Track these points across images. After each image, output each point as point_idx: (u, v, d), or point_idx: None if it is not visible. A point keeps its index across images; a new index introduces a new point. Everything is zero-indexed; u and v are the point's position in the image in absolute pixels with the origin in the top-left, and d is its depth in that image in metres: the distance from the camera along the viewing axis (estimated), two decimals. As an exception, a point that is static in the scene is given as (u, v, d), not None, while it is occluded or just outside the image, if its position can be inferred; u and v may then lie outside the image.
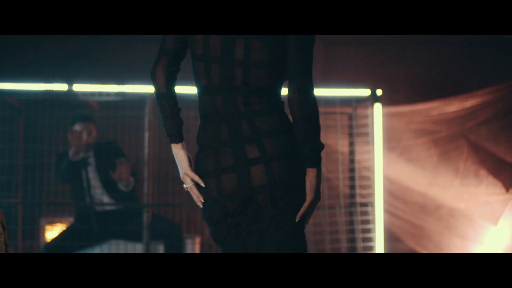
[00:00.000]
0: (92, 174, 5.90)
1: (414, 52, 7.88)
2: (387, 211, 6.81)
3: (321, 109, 5.68)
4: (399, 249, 6.78)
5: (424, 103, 7.24)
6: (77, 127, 5.74)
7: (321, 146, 2.71)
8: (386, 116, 6.82)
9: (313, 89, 2.68)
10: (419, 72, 7.89)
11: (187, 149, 2.83)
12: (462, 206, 6.98)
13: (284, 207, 2.65)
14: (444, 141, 7.19)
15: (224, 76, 2.65)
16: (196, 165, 2.76)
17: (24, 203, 6.29)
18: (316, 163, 2.70)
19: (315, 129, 2.69)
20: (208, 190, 2.70)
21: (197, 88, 2.76)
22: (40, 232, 6.44)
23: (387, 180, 6.88)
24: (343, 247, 6.06)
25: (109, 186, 5.91)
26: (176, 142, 2.76)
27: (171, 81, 2.73)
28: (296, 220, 2.68)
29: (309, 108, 2.66)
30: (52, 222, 6.49)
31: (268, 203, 2.65)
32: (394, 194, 7.03)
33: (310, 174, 2.69)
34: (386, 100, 6.72)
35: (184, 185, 2.76)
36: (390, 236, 6.76)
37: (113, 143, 6.03)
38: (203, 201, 2.71)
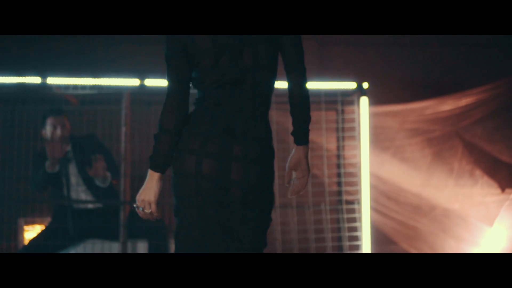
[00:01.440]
0: (72, 170, 5.57)
1: (409, 52, 7.57)
2: (380, 212, 6.49)
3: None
4: (392, 251, 6.45)
5: (417, 102, 6.88)
6: (50, 121, 5.42)
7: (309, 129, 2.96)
8: (379, 115, 6.53)
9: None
10: (413, 71, 7.58)
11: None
12: (457, 207, 6.62)
13: (252, 206, 2.81)
14: (438, 140, 6.82)
15: (234, 82, 2.81)
16: (181, 141, 2.82)
17: (0, 201, 5.94)
18: (308, 140, 2.93)
19: (309, 112, 2.93)
20: (187, 165, 2.79)
21: (200, 89, 2.85)
22: (18, 232, 6.09)
23: (380, 180, 6.56)
24: (329, 246, 5.65)
25: (89, 182, 5.56)
26: (159, 172, 2.85)
27: (185, 116, 2.84)
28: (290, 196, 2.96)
29: (307, 95, 2.91)
30: (31, 222, 6.14)
31: (238, 198, 2.80)
32: (387, 194, 6.71)
33: (305, 150, 2.91)
34: (379, 99, 6.43)
35: (136, 205, 2.88)
36: (383, 238, 6.40)
37: (93, 136, 5.66)
38: (152, 218, 2.91)
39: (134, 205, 2.90)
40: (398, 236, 6.58)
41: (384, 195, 6.68)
